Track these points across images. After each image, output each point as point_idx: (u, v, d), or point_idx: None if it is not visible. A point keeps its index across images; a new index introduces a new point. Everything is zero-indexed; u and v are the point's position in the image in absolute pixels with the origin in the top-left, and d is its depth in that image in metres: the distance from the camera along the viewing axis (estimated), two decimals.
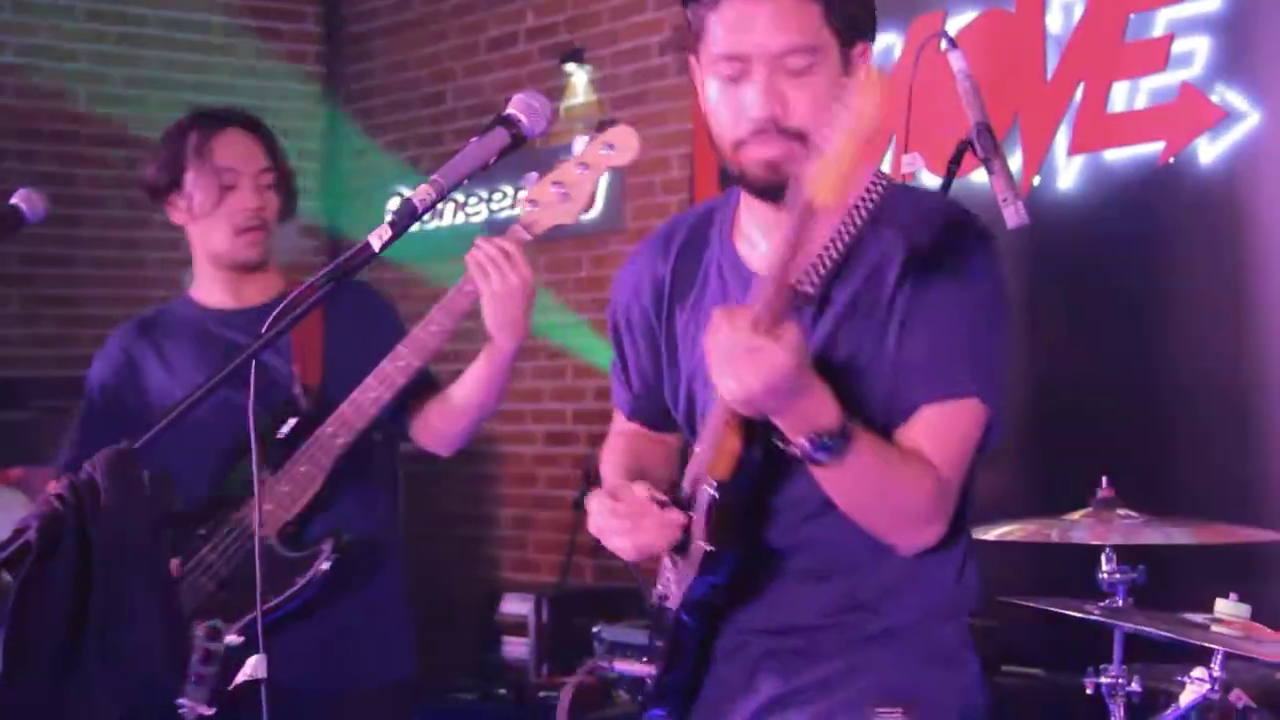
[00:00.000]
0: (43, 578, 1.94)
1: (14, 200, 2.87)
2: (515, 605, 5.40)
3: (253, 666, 2.26)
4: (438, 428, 2.99)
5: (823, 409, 1.85)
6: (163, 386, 3.02)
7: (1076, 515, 3.07)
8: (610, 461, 2.32)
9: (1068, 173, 4.11)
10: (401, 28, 6.74)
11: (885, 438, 1.96)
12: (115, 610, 1.96)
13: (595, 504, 2.07)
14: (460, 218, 6.44)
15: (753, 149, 1.98)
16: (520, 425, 6.15)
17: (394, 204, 6.60)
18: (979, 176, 2.97)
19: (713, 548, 1.98)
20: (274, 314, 2.08)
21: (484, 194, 6.32)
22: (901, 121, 3.02)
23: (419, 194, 2.08)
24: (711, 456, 1.99)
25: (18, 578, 1.93)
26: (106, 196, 6.30)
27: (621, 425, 2.35)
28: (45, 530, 1.94)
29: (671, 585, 2.09)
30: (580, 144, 2.77)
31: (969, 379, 1.96)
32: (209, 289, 3.08)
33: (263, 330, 2.09)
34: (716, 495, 1.97)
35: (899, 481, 1.93)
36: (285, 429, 2.90)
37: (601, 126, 2.78)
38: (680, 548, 2.03)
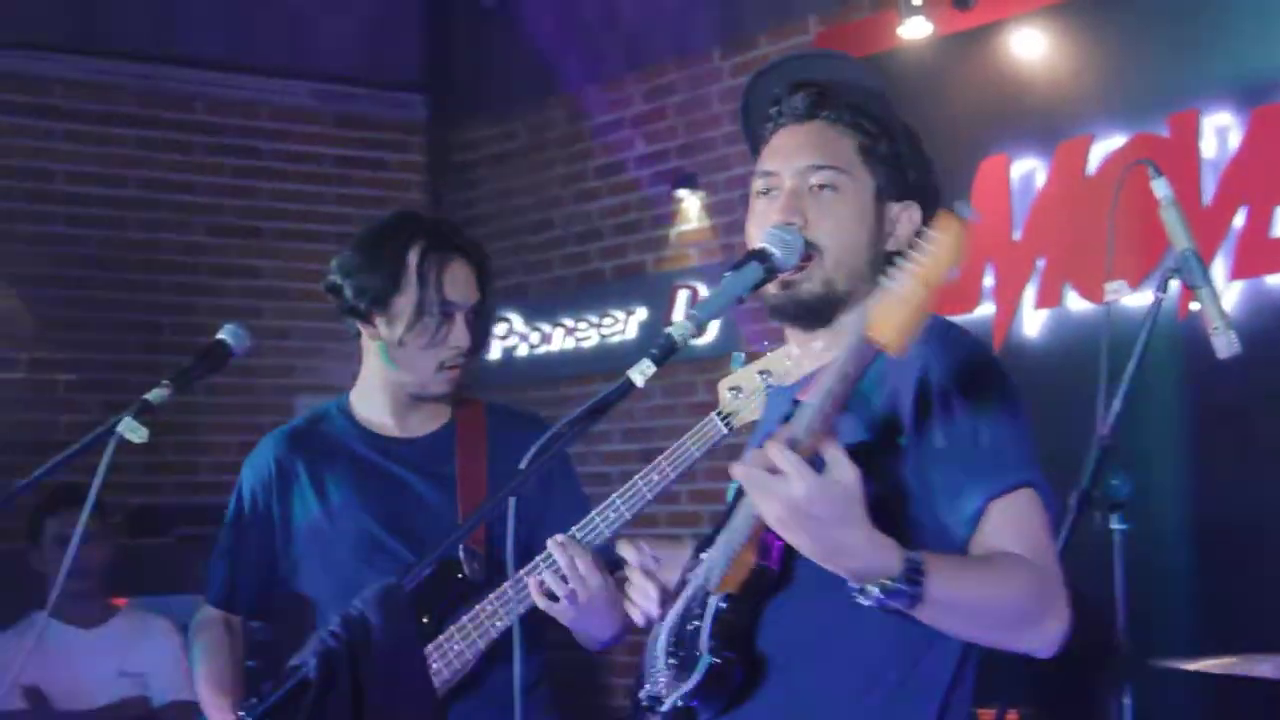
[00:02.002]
0: (322, 714, 1.93)
1: (221, 335, 2.92)
2: None
3: None
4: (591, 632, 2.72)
5: (880, 553, 1.79)
6: (310, 508, 2.86)
7: None
8: None
9: (1228, 299, 4.06)
10: (507, 157, 6.84)
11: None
12: None
13: None
14: (570, 343, 6.47)
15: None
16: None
17: (499, 330, 6.65)
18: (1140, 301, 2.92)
19: (716, 660, 1.97)
20: (531, 452, 2.02)
21: (594, 319, 6.37)
22: (1065, 248, 3.00)
23: (678, 329, 2.07)
24: (725, 568, 2.00)
25: (300, 714, 1.93)
26: (222, 325, 6.36)
27: None
28: (322, 666, 1.94)
29: (662, 688, 2.06)
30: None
31: (1021, 467, 1.95)
32: (375, 410, 2.88)
33: (522, 464, 2.02)
34: (724, 606, 1.98)
35: (995, 588, 1.86)
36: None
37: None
38: (680, 650, 2.04)
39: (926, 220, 2.14)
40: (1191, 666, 2.98)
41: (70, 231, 6.14)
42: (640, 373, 2.02)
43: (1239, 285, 4.07)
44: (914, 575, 1.79)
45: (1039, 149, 4.51)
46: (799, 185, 2.09)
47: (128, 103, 6.31)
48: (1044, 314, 4.47)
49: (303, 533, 2.86)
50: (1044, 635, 1.89)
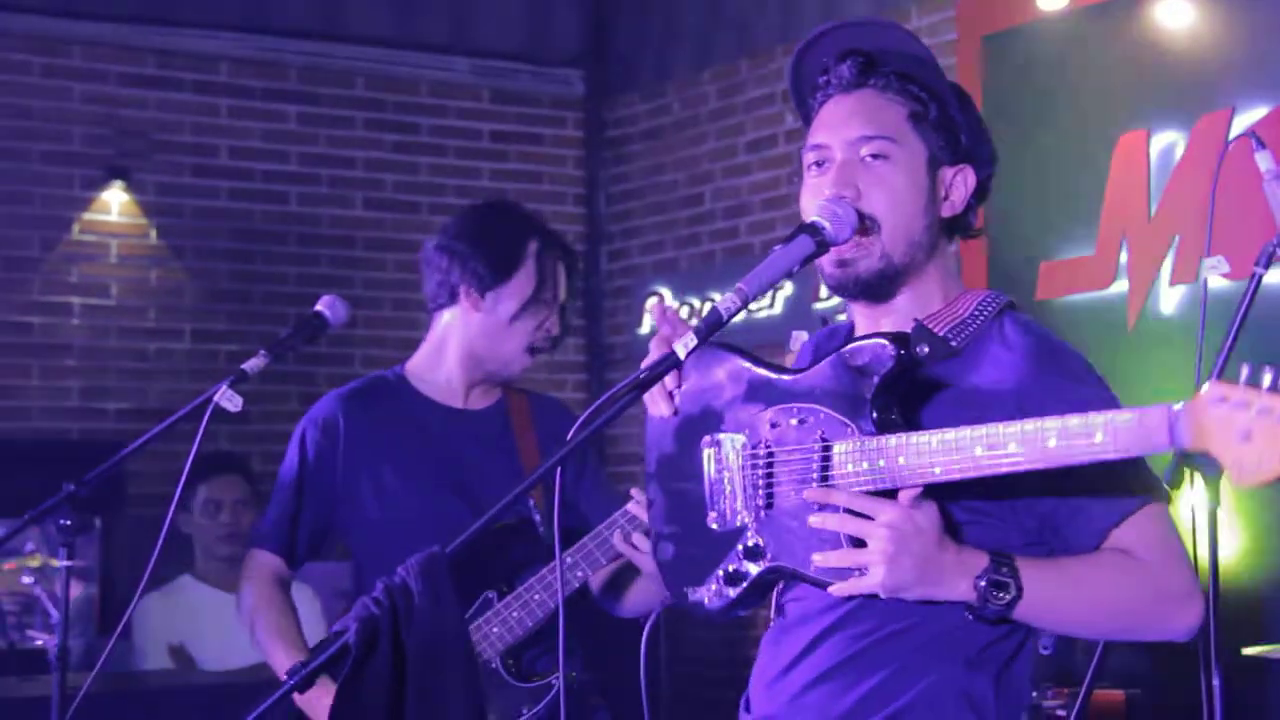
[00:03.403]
0: (361, 680, 1.99)
1: (318, 306, 2.99)
2: None
3: None
4: (644, 601, 2.92)
5: (969, 560, 1.89)
6: (379, 470, 2.97)
7: None
8: None
9: None
10: (660, 132, 6.86)
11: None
12: (429, 712, 2.00)
13: None
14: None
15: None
16: None
17: (652, 306, 6.69)
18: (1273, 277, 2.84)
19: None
20: (580, 420, 2.07)
21: (696, 301, 6.43)
22: (1203, 224, 2.91)
23: (725, 301, 2.06)
24: None
25: (338, 679, 1.99)
26: (379, 298, 6.54)
27: None
28: (363, 633, 1.99)
29: (745, 522, 2.08)
30: None
31: (1142, 488, 1.96)
32: (442, 380, 3.03)
33: (569, 435, 2.06)
34: None
35: (1110, 591, 1.93)
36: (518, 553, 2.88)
37: None
38: None
39: (981, 184, 2.13)
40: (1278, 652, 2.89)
41: (233, 205, 6.35)
42: (684, 346, 2.03)
43: None
44: (1006, 573, 1.87)
45: (1179, 122, 4.37)
46: (850, 157, 2.07)
47: (290, 79, 6.49)
48: (1180, 290, 4.34)
49: (369, 494, 2.98)
50: (1172, 627, 1.95)
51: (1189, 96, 4.37)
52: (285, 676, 2.78)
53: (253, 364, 2.84)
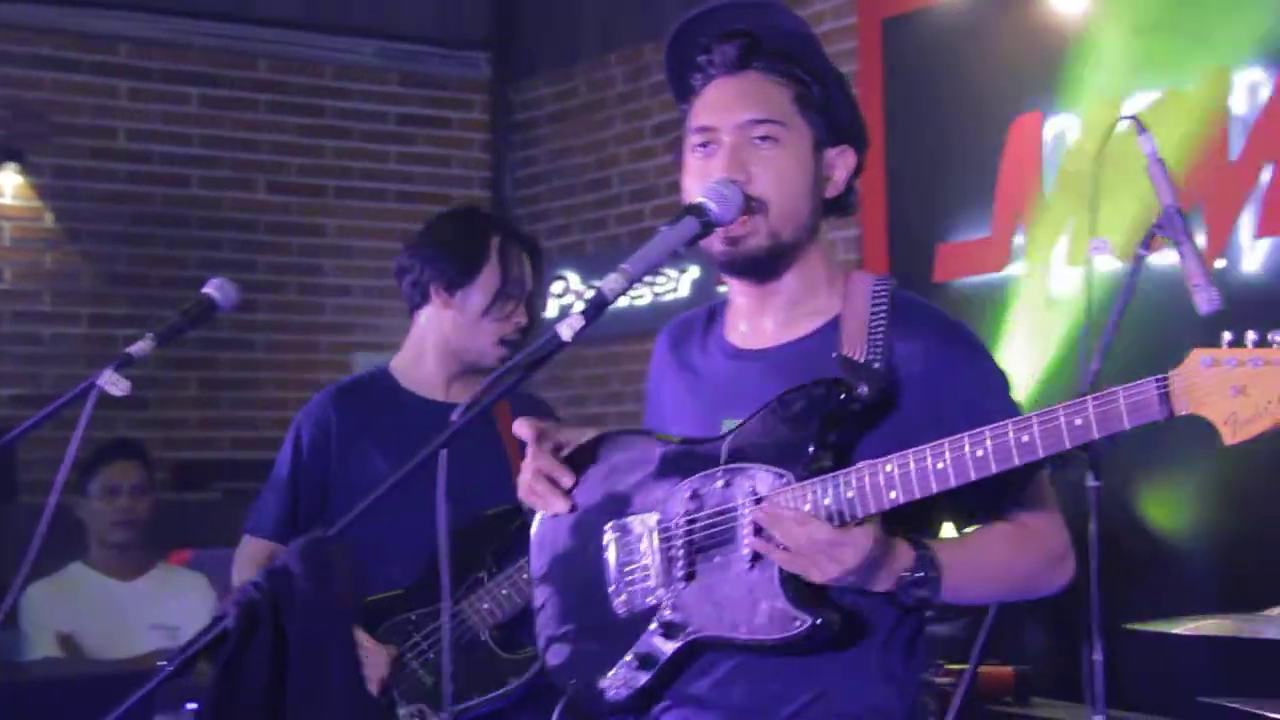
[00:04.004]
0: (240, 665, 1.97)
1: (207, 289, 2.94)
2: None
3: None
4: None
5: (898, 556, 1.93)
6: (371, 465, 3.04)
7: (1275, 611, 2.95)
8: None
9: (1253, 256, 4.00)
10: (566, 115, 6.84)
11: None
12: (309, 697, 1.98)
13: None
14: (623, 301, 6.42)
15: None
16: None
17: (557, 288, 6.68)
18: (1160, 260, 2.90)
19: (819, 621, 1.98)
20: (465, 403, 2.08)
21: (648, 277, 6.34)
22: (1086, 205, 2.95)
23: (609, 283, 2.06)
24: None
25: (216, 664, 1.97)
26: (283, 282, 6.48)
27: None
28: (243, 618, 1.97)
29: (660, 602, 2.08)
30: None
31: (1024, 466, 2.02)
32: (422, 375, 3.16)
33: (452, 416, 2.07)
34: None
35: (1012, 561, 2.02)
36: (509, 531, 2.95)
37: None
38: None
39: (859, 163, 2.16)
40: (1160, 628, 2.95)
41: (132, 188, 6.25)
42: (569, 328, 2.02)
43: (1266, 242, 3.99)
44: (931, 570, 1.93)
45: (1073, 107, 4.43)
46: (739, 140, 2.08)
47: (192, 61, 6.40)
48: (1075, 271, 4.40)
49: (360, 484, 3.00)
50: (1053, 585, 2.06)
51: (1082, 81, 4.42)
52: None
53: (139, 348, 2.78)
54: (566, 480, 2.14)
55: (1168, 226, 2.74)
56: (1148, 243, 2.76)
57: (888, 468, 1.89)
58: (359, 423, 3.12)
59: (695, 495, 2.05)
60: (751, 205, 2.06)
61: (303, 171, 6.63)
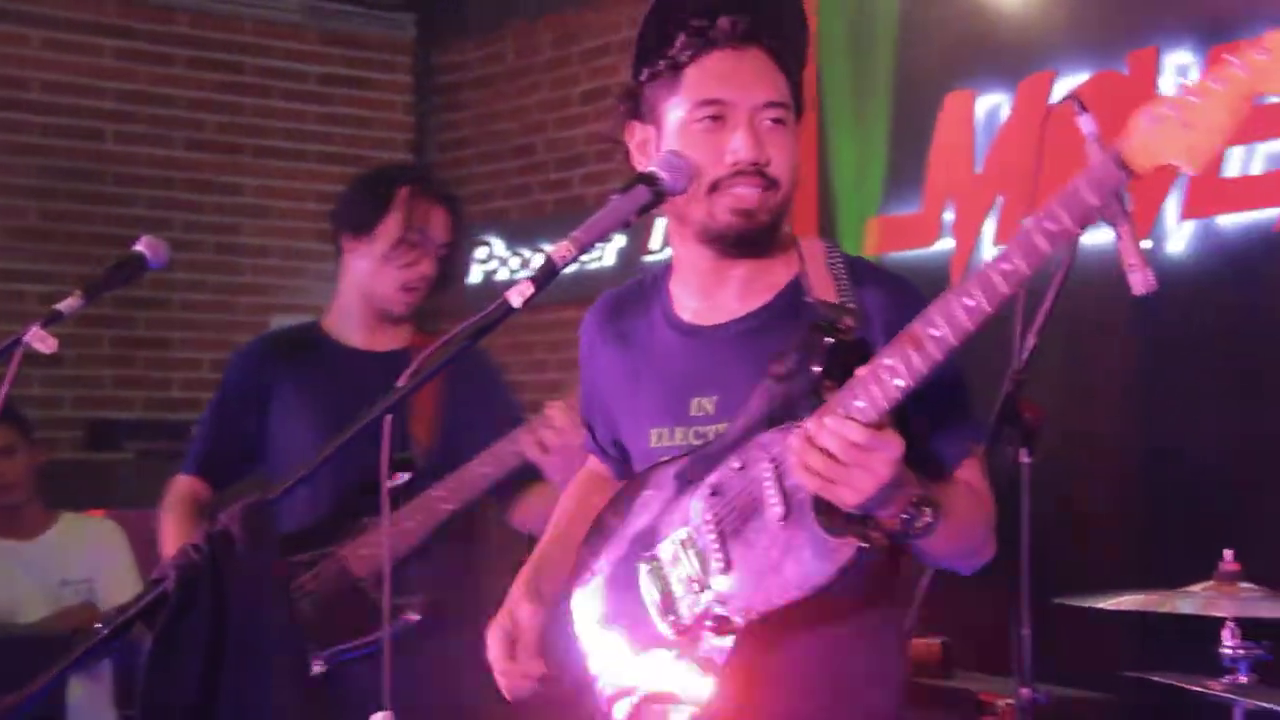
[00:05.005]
0: (180, 628, 1.93)
1: (138, 246, 2.88)
2: None
3: None
4: (540, 513, 2.99)
5: (909, 486, 1.91)
6: (287, 408, 3.21)
7: (1198, 588, 3.00)
8: (561, 505, 2.44)
9: (1178, 238, 4.05)
10: (493, 79, 6.78)
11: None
12: (249, 662, 1.95)
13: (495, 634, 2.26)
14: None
15: (729, 191, 2.07)
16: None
17: (481, 253, 6.63)
18: (1093, 239, 2.91)
19: (863, 542, 1.95)
20: (411, 368, 2.06)
21: (526, 252, 6.42)
22: (1026, 183, 2.97)
23: (559, 250, 2.05)
24: None
25: (156, 627, 1.93)
26: (200, 241, 6.37)
27: (592, 465, 2.43)
28: (182, 581, 1.94)
29: (705, 607, 2.07)
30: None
31: (976, 433, 2.12)
32: (346, 325, 3.27)
33: (399, 382, 2.06)
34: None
35: (974, 519, 2.04)
36: (398, 482, 2.95)
37: None
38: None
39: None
40: (1085, 602, 3.00)
41: (44, 142, 6.11)
42: (519, 294, 2.02)
43: (1189, 225, 4.05)
44: (936, 505, 1.91)
45: (1004, 84, 4.46)
46: (755, 119, 2.08)
47: (108, 13, 6.26)
48: (1003, 249, 4.42)
49: (278, 432, 3.22)
50: (985, 557, 2.08)
51: (1014, 58, 4.45)
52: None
53: (68, 304, 2.72)
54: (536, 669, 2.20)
55: (1106, 207, 2.76)
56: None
57: (886, 361, 1.86)
58: (282, 369, 3.24)
59: (715, 490, 2.04)
60: (765, 181, 2.07)
61: (221, 129, 6.52)
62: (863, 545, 1.91)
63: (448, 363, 2.09)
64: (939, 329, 1.85)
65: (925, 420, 2.01)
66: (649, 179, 2.07)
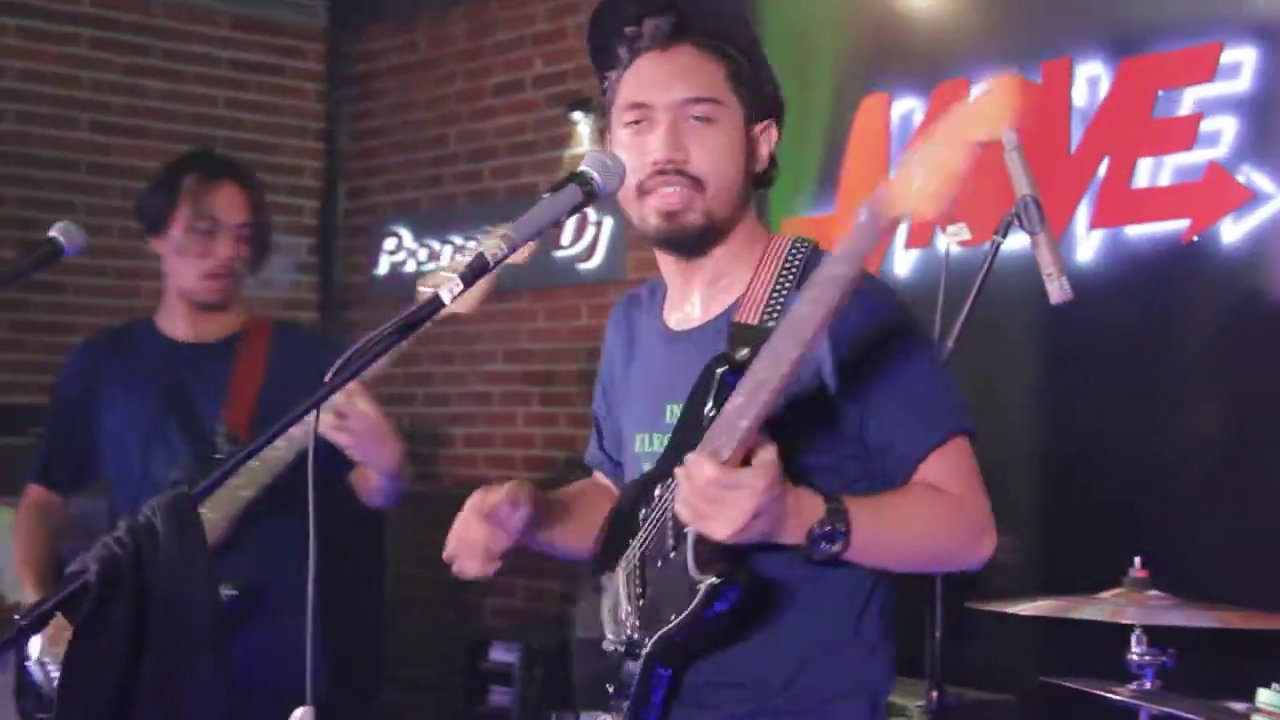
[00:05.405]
0: (100, 621, 1.90)
1: (53, 232, 2.84)
2: (502, 654, 5.36)
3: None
4: (371, 485, 3.11)
5: (806, 507, 1.89)
6: (114, 404, 3.24)
7: (1106, 595, 3.06)
8: (579, 484, 2.41)
9: (1087, 246, 4.11)
10: (406, 69, 6.73)
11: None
12: (172, 657, 1.93)
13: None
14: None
15: (654, 193, 2.08)
16: (511, 470, 6.11)
17: (390, 244, 6.58)
18: (1009, 247, 2.95)
19: (716, 579, 1.95)
20: (337, 365, 2.02)
21: (435, 244, 6.39)
22: (973, 190, 2.99)
23: (490, 248, 2.04)
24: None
25: (76, 620, 1.90)
26: (104, 225, 6.24)
27: (598, 479, 2.42)
28: (104, 573, 1.90)
29: (629, 630, 2.08)
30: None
31: (955, 415, 2.05)
32: (172, 319, 3.30)
33: (325, 379, 2.03)
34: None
35: (926, 521, 1.98)
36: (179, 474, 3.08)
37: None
38: (643, 587, 2.06)
39: (779, 136, 2.19)
40: (997, 607, 3.04)
41: None
42: (449, 290, 2.00)
43: (1099, 234, 4.11)
44: (840, 521, 1.88)
45: (919, 89, 4.51)
46: (676, 118, 2.08)
47: None
48: (914, 254, 4.48)
49: (105, 426, 3.26)
50: (975, 558, 2.02)
51: (929, 63, 4.50)
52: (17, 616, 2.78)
53: None
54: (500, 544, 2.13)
55: (1024, 216, 2.80)
56: (1005, 230, 2.82)
57: (737, 400, 1.86)
58: (111, 366, 3.28)
59: (647, 515, 2.06)
60: (686, 180, 2.07)
61: (126, 112, 6.40)
62: (713, 582, 1.92)
63: (375, 356, 2.07)
64: (764, 372, 1.85)
65: (876, 428, 2.02)
66: (580, 178, 2.06)
